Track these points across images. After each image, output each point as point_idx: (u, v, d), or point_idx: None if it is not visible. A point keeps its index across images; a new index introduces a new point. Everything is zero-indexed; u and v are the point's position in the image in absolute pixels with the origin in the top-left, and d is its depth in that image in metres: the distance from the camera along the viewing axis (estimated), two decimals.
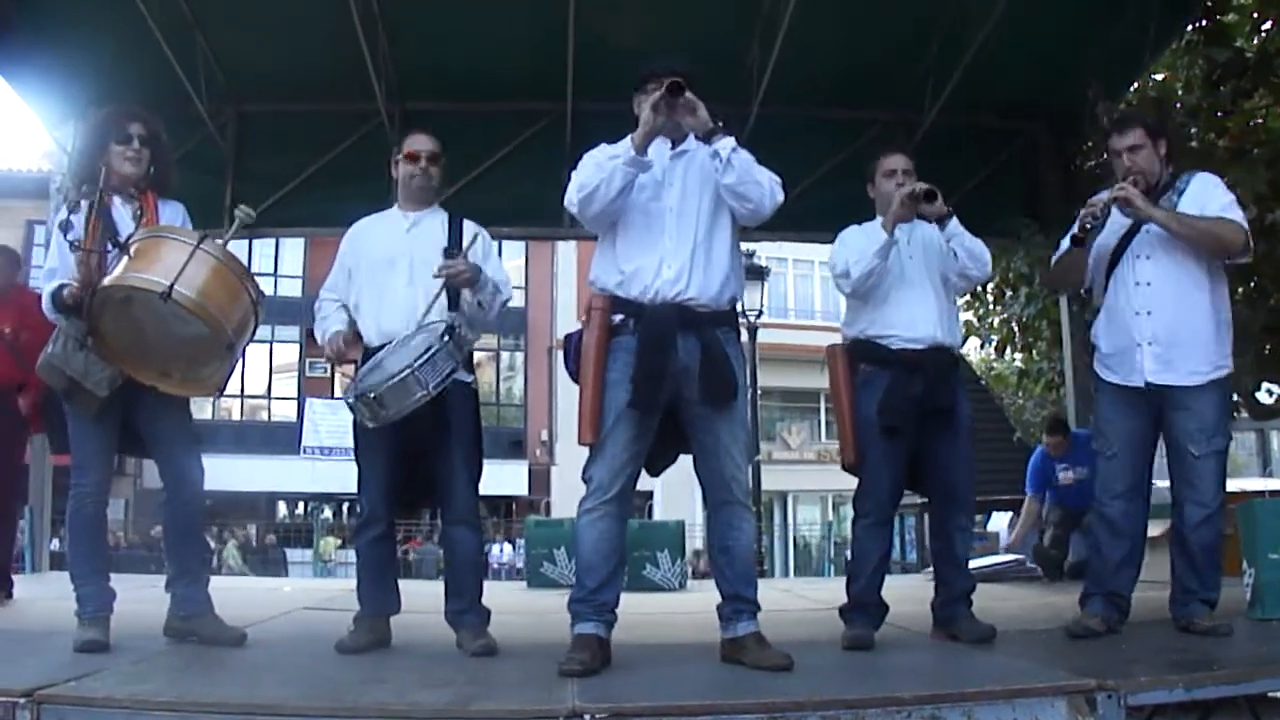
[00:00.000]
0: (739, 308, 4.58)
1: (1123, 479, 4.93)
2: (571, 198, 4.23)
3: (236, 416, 31.55)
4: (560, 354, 4.62)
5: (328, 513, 29.75)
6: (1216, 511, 4.76)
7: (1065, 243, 4.95)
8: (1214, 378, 4.77)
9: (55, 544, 10.96)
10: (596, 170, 4.14)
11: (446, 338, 4.34)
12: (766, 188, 4.19)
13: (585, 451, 4.20)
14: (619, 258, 4.23)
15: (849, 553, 5.16)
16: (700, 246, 4.19)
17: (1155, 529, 5.28)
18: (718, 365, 4.13)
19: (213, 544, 25.41)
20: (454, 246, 4.73)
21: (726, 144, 4.13)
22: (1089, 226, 4.83)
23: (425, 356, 4.25)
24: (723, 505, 4.21)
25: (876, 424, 4.77)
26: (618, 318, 4.19)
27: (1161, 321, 4.79)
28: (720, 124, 4.17)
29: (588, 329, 4.19)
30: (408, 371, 4.23)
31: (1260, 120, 9.26)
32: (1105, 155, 5.14)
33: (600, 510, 4.13)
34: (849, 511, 5.13)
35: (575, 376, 4.22)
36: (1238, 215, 4.79)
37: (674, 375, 4.11)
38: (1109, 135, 5.13)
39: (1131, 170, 4.87)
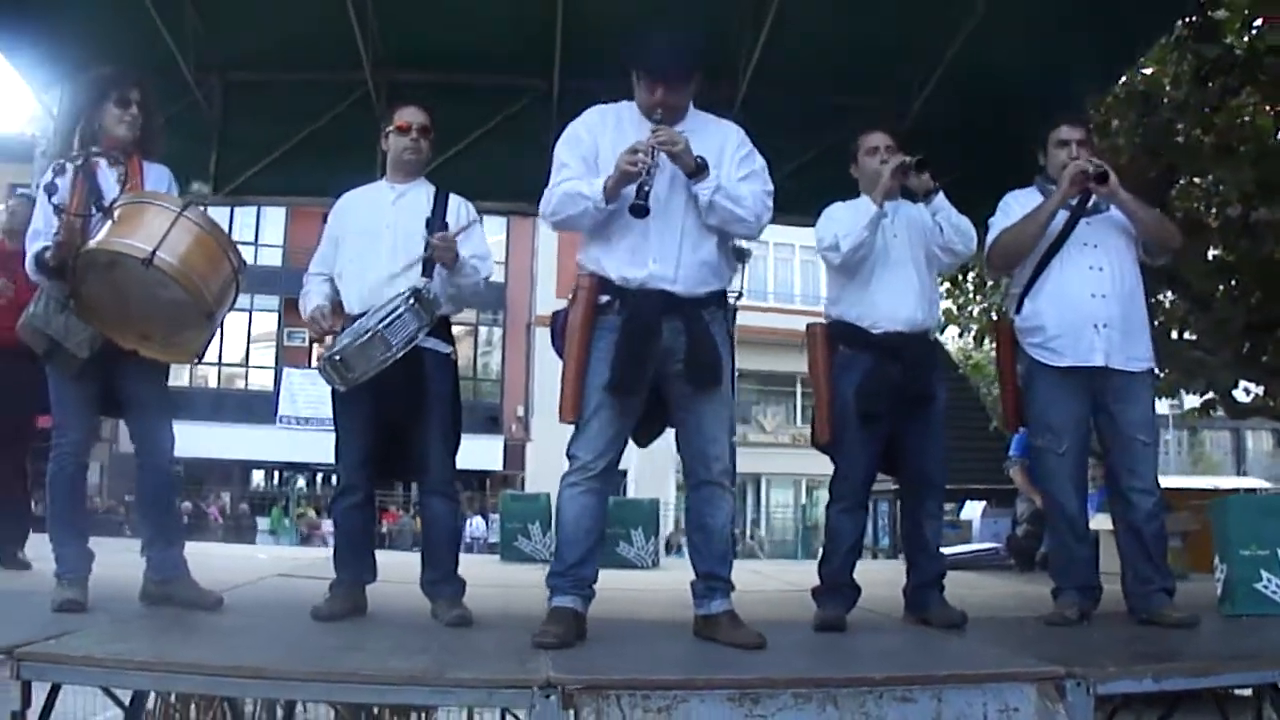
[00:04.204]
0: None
1: (1076, 474, 5.00)
2: (544, 215, 4.24)
3: (213, 384, 31.49)
4: (538, 330, 4.62)
5: (301, 482, 29.74)
6: (1160, 499, 4.89)
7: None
8: (1150, 367, 4.96)
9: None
10: (569, 203, 4.12)
11: (412, 299, 4.38)
12: (752, 219, 4.18)
13: (561, 427, 4.20)
14: (605, 245, 4.20)
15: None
16: (686, 242, 4.15)
17: (1102, 523, 5.36)
18: (703, 347, 4.12)
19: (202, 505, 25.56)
20: (437, 219, 4.75)
21: (707, 187, 4.09)
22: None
23: (389, 318, 4.33)
24: (702, 485, 4.22)
25: (854, 408, 4.79)
26: (604, 298, 4.16)
27: (1115, 307, 4.88)
28: (702, 161, 4.10)
29: (573, 307, 4.17)
30: (371, 333, 4.30)
31: (1247, 118, 9.31)
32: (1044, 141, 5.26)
33: (583, 485, 4.13)
34: (822, 495, 5.15)
35: (562, 354, 4.21)
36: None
37: (658, 354, 4.10)
38: (1058, 125, 5.24)
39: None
